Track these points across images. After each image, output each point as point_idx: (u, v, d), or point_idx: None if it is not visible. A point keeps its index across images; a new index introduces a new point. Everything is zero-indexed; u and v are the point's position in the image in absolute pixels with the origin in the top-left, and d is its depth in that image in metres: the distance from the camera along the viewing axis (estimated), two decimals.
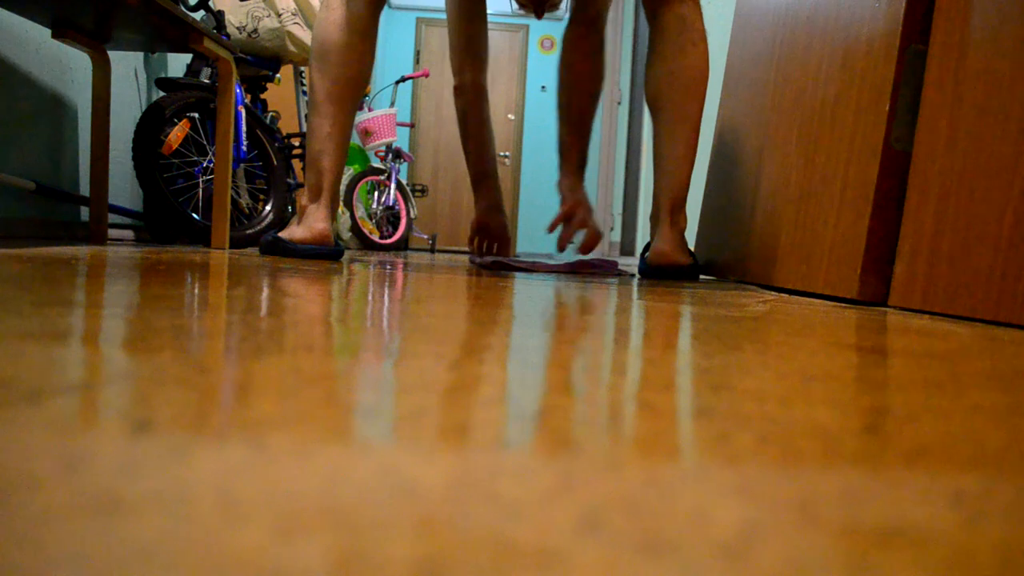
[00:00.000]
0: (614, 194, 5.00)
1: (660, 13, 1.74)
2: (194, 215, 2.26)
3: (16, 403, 0.24)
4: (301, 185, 2.82)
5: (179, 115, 2.26)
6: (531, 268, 1.81)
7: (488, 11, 7.71)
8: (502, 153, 7.22)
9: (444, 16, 7.16)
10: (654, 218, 1.78)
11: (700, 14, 1.74)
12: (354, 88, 1.75)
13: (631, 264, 3.46)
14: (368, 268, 1.48)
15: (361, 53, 1.73)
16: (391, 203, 4.20)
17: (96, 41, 2.11)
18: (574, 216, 2.03)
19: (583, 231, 2.10)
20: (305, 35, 2.70)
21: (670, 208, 1.73)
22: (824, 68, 1.39)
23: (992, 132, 0.94)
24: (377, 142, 4.08)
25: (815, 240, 1.32)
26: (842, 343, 0.57)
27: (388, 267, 1.62)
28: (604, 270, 1.82)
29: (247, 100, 2.67)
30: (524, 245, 7.34)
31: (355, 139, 4.28)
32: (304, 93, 3.16)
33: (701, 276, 2.02)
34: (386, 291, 0.87)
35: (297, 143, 2.96)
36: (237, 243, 2.38)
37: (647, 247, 1.79)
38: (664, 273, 1.72)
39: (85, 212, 2.32)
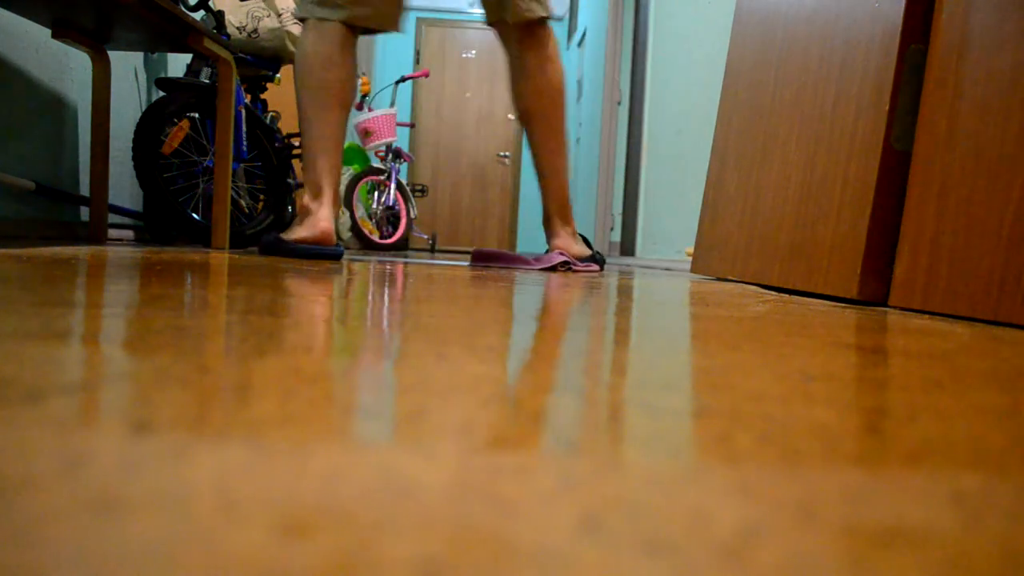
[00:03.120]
0: (614, 194, 5.00)
1: (520, 35, 1.92)
2: (194, 215, 2.26)
3: (16, 403, 0.24)
4: (301, 185, 2.82)
5: (179, 115, 2.26)
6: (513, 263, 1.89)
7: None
8: (502, 153, 7.22)
9: (444, 16, 7.17)
10: (547, 223, 1.99)
11: (552, 32, 1.94)
12: (339, 92, 1.81)
13: (630, 264, 3.46)
14: (368, 268, 1.48)
15: (340, 62, 1.80)
16: (391, 203, 4.20)
17: (96, 41, 2.11)
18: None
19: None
20: None
21: (560, 212, 1.96)
22: (824, 68, 1.39)
23: (992, 132, 0.94)
24: (377, 142, 4.08)
25: (815, 240, 1.32)
26: (842, 343, 0.57)
27: (388, 267, 1.62)
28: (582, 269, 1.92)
29: (247, 100, 2.67)
30: (524, 245, 7.34)
31: (355, 139, 4.28)
32: None
33: (701, 276, 2.02)
34: (386, 291, 0.87)
35: (297, 143, 2.95)
36: (237, 243, 2.38)
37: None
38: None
39: (85, 212, 2.32)
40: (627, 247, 4.45)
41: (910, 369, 0.45)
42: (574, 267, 1.90)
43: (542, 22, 1.92)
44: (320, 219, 1.76)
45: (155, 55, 2.75)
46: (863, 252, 1.15)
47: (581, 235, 2.03)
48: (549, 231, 1.98)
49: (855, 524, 0.18)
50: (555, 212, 1.97)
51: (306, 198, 1.81)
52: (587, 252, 1.93)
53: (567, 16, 7.19)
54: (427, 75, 4.38)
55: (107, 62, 2.16)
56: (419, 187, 5.33)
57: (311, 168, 1.80)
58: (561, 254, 1.93)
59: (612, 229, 4.96)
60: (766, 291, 1.40)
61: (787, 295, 1.29)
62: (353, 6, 1.78)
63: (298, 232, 1.75)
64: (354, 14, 1.79)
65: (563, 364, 0.39)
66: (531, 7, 1.89)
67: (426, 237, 5.21)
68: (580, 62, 6.37)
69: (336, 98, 1.79)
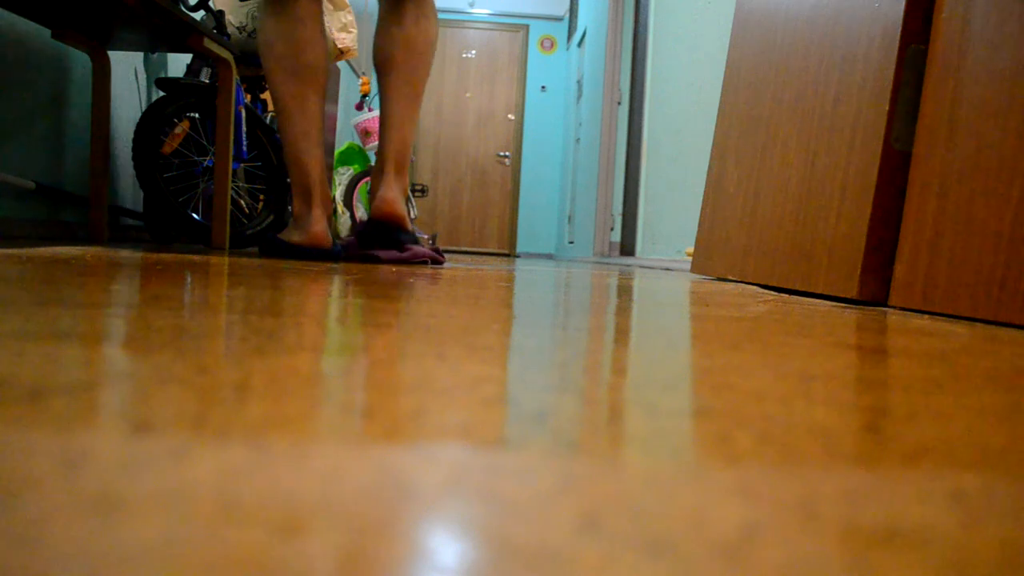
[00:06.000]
0: (614, 194, 5.00)
1: None
2: (194, 215, 2.26)
3: (16, 403, 0.24)
4: None
5: (179, 115, 2.26)
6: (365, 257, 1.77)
7: (488, 11, 7.62)
8: (502, 153, 7.22)
9: (443, 16, 7.18)
10: (378, 173, 1.83)
11: None
12: (313, 77, 1.72)
13: (631, 264, 3.46)
14: (367, 268, 1.48)
15: (307, 39, 1.70)
16: None
17: (96, 41, 2.11)
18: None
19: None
20: None
21: (396, 164, 1.81)
22: (824, 68, 1.39)
23: (992, 132, 0.94)
24: (377, 142, 4.08)
25: (815, 240, 1.32)
26: (842, 343, 0.57)
27: (387, 267, 1.62)
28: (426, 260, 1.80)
29: (247, 100, 2.67)
30: (524, 244, 7.34)
31: (355, 139, 4.28)
32: None
33: (701, 276, 2.02)
34: (385, 291, 0.87)
35: None
36: (237, 243, 2.38)
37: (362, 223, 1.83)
38: (387, 229, 1.76)
39: (85, 212, 2.32)
40: (627, 247, 4.45)
41: (910, 369, 0.45)
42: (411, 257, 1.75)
43: None
44: (312, 222, 1.74)
45: (155, 55, 2.75)
46: (863, 252, 1.15)
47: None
48: (379, 182, 1.82)
49: (855, 524, 0.18)
50: (391, 162, 1.82)
51: (295, 204, 1.78)
52: (408, 218, 1.82)
53: (567, 16, 7.20)
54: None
55: (107, 62, 2.16)
56: (419, 187, 5.33)
57: (294, 167, 1.75)
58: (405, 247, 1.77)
59: (612, 229, 4.96)
60: (766, 291, 1.40)
61: (787, 295, 1.29)
62: None
63: (292, 237, 1.74)
64: None
65: (563, 364, 0.39)
66: None
67: (426, 237, 5.21)
68: (580, 62, 6.37)
69: (311, 84, 1.73)
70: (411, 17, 1.80)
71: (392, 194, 1.78)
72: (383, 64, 1.82)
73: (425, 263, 1.78)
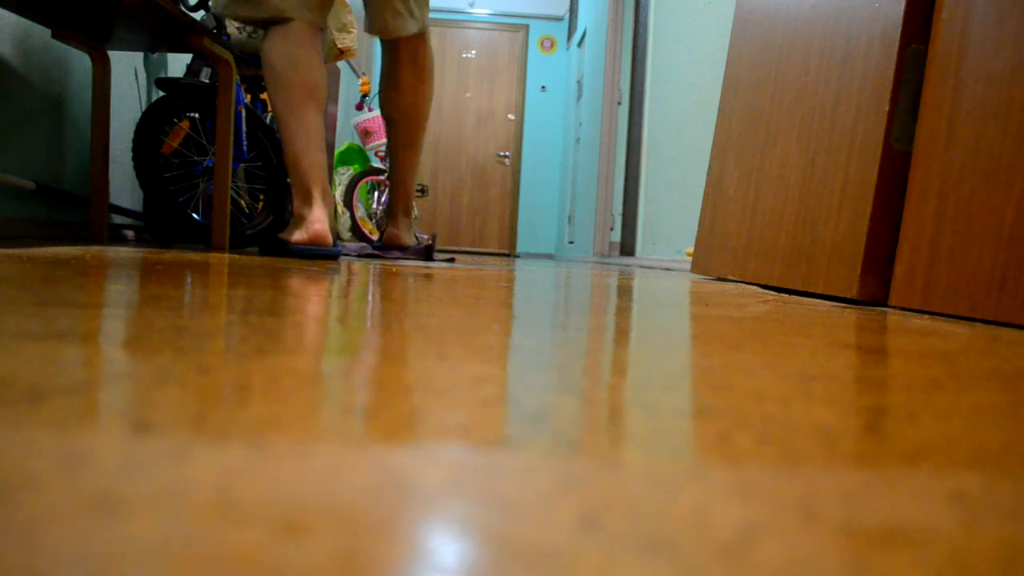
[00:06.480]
0: (614, 194, 5.00)
1: (395, 48, 2.07)
2: (194, 215, 2.26)
3: (16, 402, 0.24)
4: None
5: (179, 115, 2.26)
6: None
7: (488, 11, 7.60)
8: (502, 153, 7.22)
9: (443, 16, 7.18)
10: (390, 216, 2.33)
11: (429, 49, 2.12)
12: (311, 92, 1.82)
13: (630, 264, 3.46)
14: (367, 268, 1.48)
15: (308, 60, 1.82)
16: None
17: (96, 41, 2.11)
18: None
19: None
20: None
21: (404, 206, 2.30)
22: (824, 68, 1.39)
23: (992, 132, 0.94)
24: (376, 142, 4.08)
25: (815, 240, 1.32)
26: (842, 343, 0.57)
27: (386, 267, 1.62)
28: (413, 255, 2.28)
29: (247, 100, 2.67)
30: (524, 244, 7.34)
31: (355, 139, 4.28)
32: None
33: (701, 276, 2.02)
34: (385, 291, 0.87)
35: None
36: (237, 243, 2.37)
37: (382, 234, 2.34)
38: (393, 249, 2.26)
39: (85, 212, 2.32)
40: (627, 247, 4.45)
41: (910, 369, 0.45)
42: (394, 255, 2.23)
43: (418, 35, 2.03)
44: (313, 221, 1.76)
45: (155, 55, 2.75)
46: (863, 252, 1.15)
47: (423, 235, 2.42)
48: (391, 219, 2.31)
49: (855, 524, 0.18)
50: (399, 205, 2.29)
51: (296, 203, 1.82)
52: (414, 242, 2.29)
53: (567, 16, 7.20)
54: None
55: (107, 62, 2.16)
56: (419, 187, 5.33)
57: (295, 171, 1.81)
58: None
59: (612, 229, 4.96)
60: (766, 291, 1.40)
61: (787, 295, 1.29)
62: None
63: (292, 236, 1.75)
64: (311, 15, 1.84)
65: (563, 364, 0.39)
66: (403, 25, 1.97)
67: (426, 237, 5.21)
68: (580, 62, 6.37)
69: (310, 98, 1.81)
70: (409, 85, 2.08)
71: (399, 230, 2.28)
72: (387, 121, 2.19)
73: (418, 259, 2.22)
